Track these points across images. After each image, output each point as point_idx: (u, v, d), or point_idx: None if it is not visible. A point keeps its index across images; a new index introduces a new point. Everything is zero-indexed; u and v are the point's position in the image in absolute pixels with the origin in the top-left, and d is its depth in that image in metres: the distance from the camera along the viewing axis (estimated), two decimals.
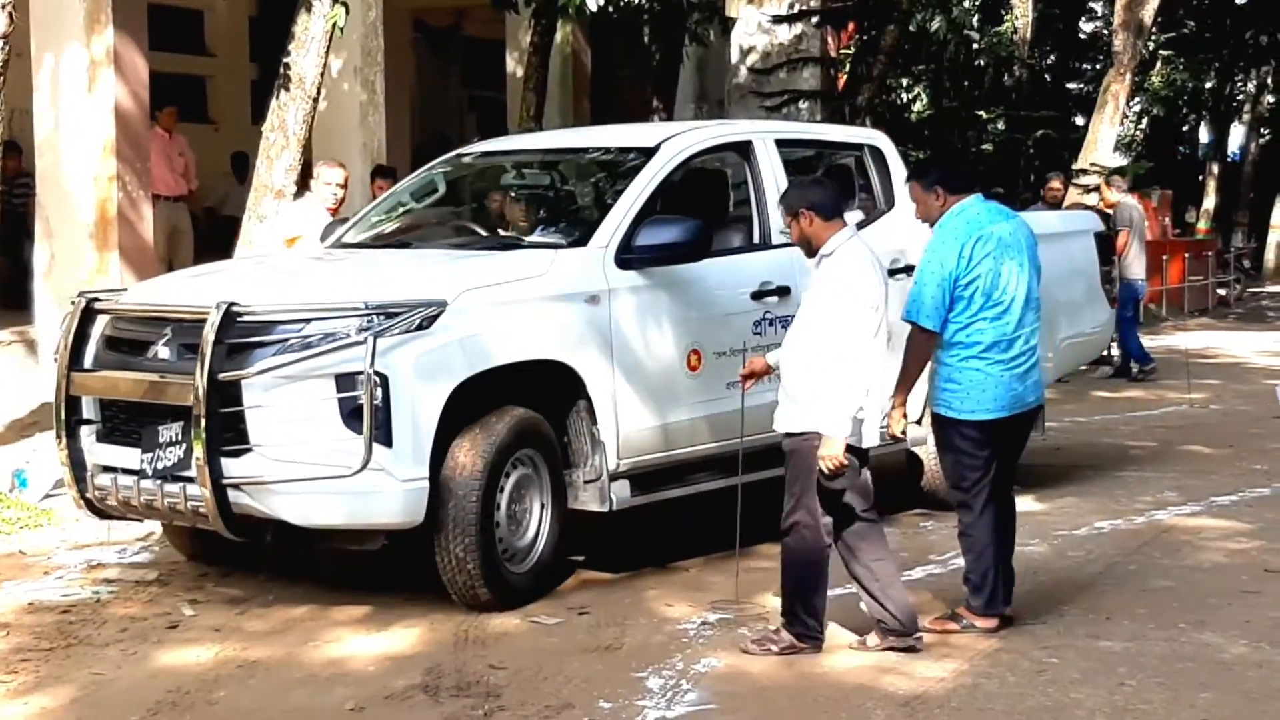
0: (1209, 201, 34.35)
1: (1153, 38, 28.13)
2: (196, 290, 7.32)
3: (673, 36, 16.20)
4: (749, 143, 8.36)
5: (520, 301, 7.07)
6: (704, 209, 8.08)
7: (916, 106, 28.55)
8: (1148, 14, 22.47)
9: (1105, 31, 29.39)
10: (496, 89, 18.48)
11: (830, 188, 6.58)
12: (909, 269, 8.38)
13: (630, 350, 7.34)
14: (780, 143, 8.52)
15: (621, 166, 8.18)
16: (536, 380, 7.12)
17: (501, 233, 8.45)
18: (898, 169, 9.01)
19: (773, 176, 8.25)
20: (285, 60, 10.20)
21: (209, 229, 15.85)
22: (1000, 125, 24.40)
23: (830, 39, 21.18)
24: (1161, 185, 24.42)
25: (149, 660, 6.35)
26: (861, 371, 6.10)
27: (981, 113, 24.97)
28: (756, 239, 8.24)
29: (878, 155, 9.08)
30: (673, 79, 16.70)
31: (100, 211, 12.10)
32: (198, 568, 7.80)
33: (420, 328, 6.64)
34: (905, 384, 6.59)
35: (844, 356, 6.08)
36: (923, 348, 6.54)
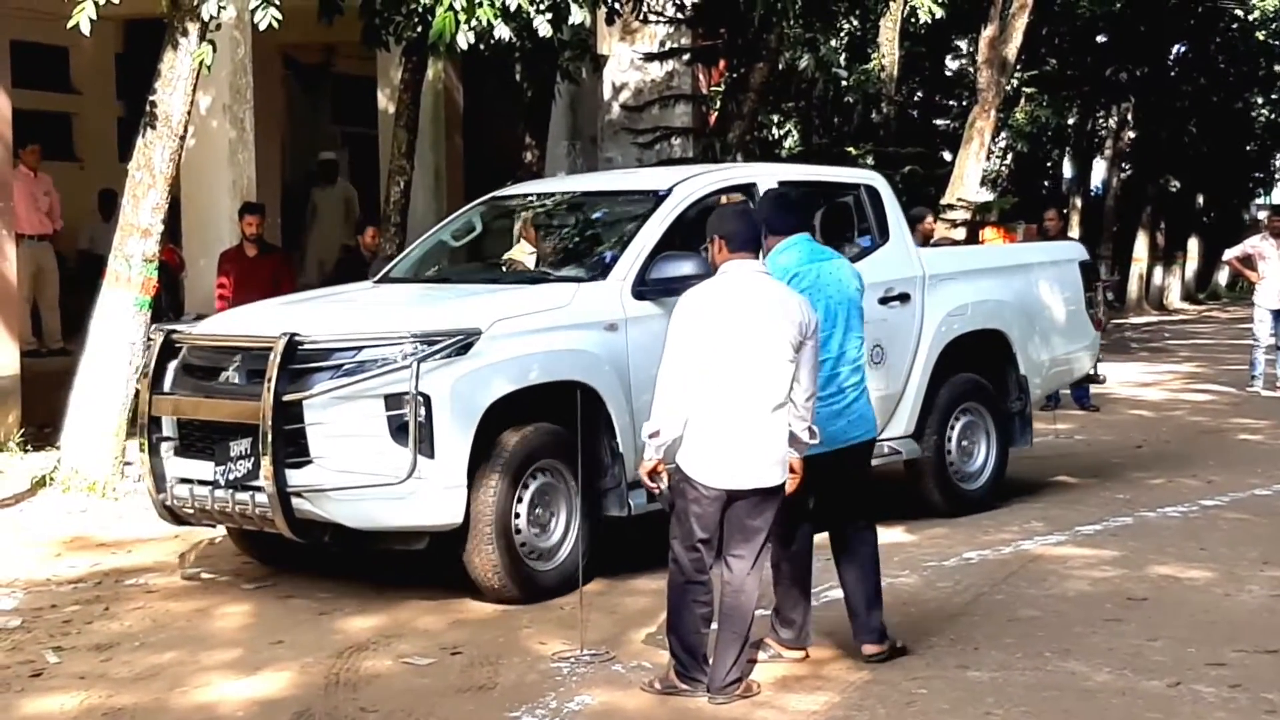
0: (1073, 235, 34.94)
1: (1016, 75, 28.65)
2: (262, 322, 8.19)
3: (545, 74, 16.21)
4: (754, 184, 9.00)
5: (546, 329, 7.90)
6: None
7: (787, 143, 28.83)
8: (1011, 52, 22.97)
9: (970, 69, 29.94)
10: (368, 125, 18.40)
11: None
12: (902, 297, 9.38)
13: (645, 372, 7.67)
14: (783, 183, 9.08)
15: (638, 207, 8.82)
16: (563, 399, 7.71)
17: (531, 268, 9.45)
18: (892, 206, 9.76)
19: None
20: (152, 98, 10.10)
21: (79, 268, 15.62)
22: (869, 161, 24.68)
23: (701, 76, 21.35)
24: (1026, 220, 24.81)
25: (12, 710, 6.22)
26: (661, 394, 6.12)
27: (851, 149, 25.22)
28: None
29: (874, 194, 9.77)
30: (545, 116, 16.69)
31: None
32: (61, 614, 7.67)
33: (458, 353, 7.46)
34: None
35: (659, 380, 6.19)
36: None
